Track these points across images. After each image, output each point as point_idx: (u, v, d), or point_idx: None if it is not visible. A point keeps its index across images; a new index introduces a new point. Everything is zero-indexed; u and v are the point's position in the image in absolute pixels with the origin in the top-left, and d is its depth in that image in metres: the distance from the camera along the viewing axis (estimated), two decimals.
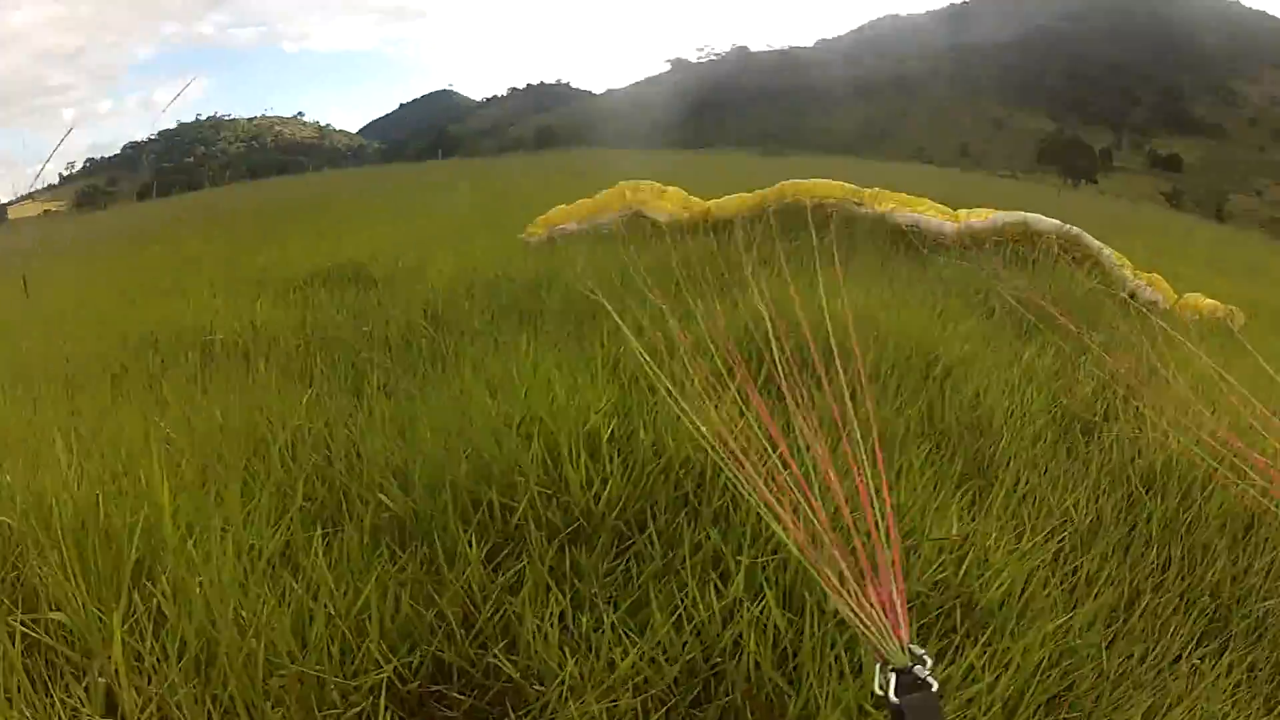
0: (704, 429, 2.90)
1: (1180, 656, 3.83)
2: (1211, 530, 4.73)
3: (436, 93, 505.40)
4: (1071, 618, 3.70)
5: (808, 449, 2.77)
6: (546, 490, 3.86)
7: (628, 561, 3.64)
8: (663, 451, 4.12)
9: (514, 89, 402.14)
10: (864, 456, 2.67)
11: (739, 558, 3.40)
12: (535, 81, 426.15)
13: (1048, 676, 3.38)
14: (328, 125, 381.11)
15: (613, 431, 4.21)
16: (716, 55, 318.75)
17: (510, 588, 3.39)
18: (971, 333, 7.18)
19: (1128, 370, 6.27)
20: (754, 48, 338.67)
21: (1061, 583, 4.03)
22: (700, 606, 3.25)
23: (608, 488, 3.85)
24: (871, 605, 1.95)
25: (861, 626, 1.94)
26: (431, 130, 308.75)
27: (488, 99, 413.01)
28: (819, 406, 3.10)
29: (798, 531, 2.24)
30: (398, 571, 3.42)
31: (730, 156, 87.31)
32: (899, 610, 1.94)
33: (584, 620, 3.22)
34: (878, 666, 1.83)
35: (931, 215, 11.58)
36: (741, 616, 3.20)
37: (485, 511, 3.79)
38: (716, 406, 3.17)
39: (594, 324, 6.52)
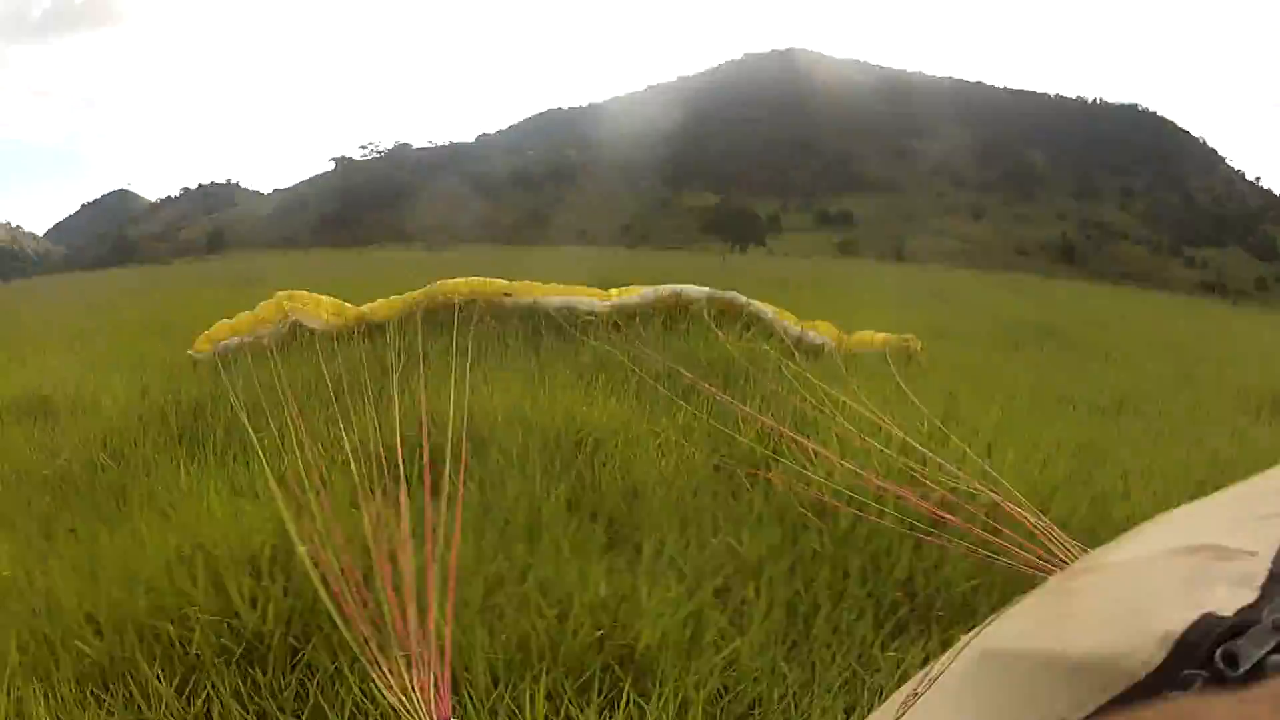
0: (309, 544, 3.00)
1: (871, 654, 4.17)
2: (891, 537, 5.03)
3: (114, 193, 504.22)
4: (738, 645, 3.92)
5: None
6: (216, 616, 4.00)
7: (301, 673, 3.81)
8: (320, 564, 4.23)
9: (186, 189, 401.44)
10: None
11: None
12: (206, 181, 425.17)
13: (727, 704, 3.66)
14: (18, 227, 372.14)
15: (274, 550, 4.34)
16: (380, 152, 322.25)
17: (207, 715, 3.60)
18: (621, 405, 7.53)
19: (788, 413, 6.69)
20: (416, 144, 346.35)
21: (730, 616, 4.24)
22: (371, 706, 3.43)
23: (272, 605, 4.00)
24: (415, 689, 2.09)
25: (403, 710, 2.08)
26: (110, 233, 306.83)
27: (162, 199, 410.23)
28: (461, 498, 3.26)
29: (363, 625, 2.36)
30: (107, 716, 3.58)
31: (394, 253, 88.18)
32: (441, 690, 2.09)
33: None
34: None
35: (583, 297, 11.99)
36: None
37: (167, 644, 3.93)
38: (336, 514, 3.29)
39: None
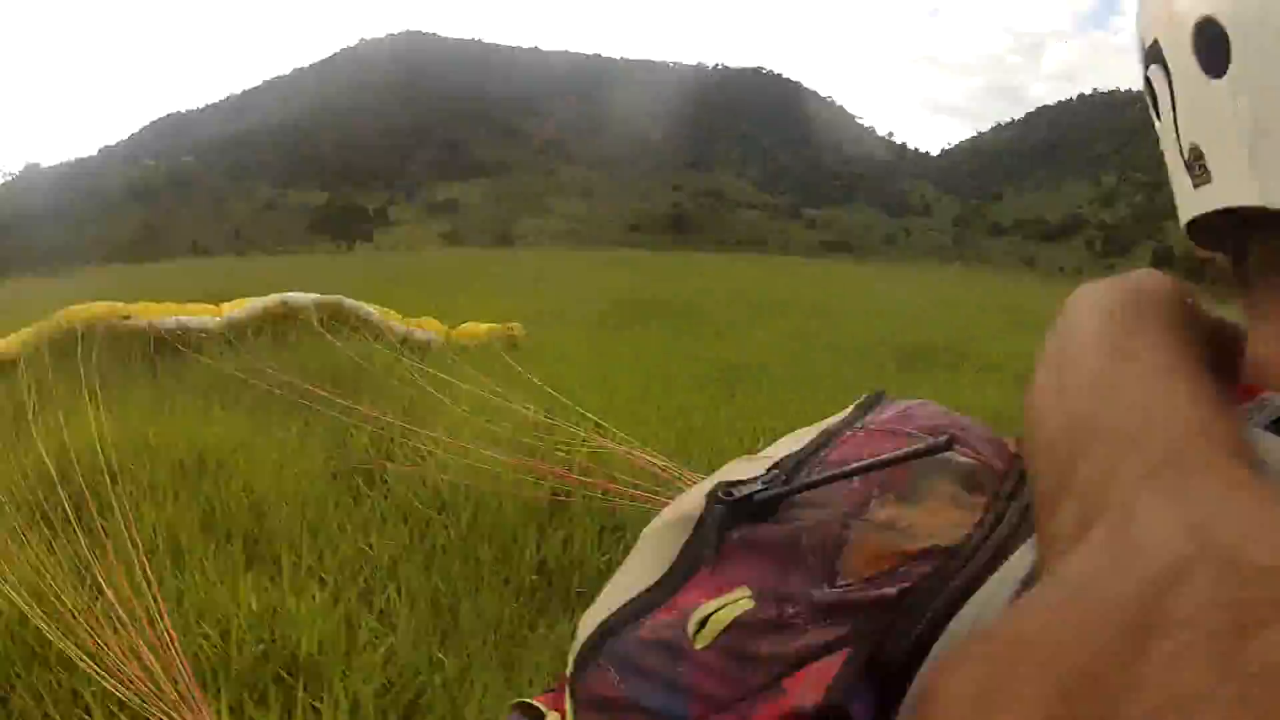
0: None
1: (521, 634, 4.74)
2: (516, 524, 5.67)
3: None
4: (392, 643, 4.41)
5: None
6: None
7: None
8: None
9: None
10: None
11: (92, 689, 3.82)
12: None
13: (394, 696, 4.14)
14: None
15: None
16: (9, 175, 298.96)
17: None
18: (240, 421, 7.86)
19: (400, 411, 7.14)
20: (46, 162, 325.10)
21: (378, 616, 4.69)
22: None
23: None
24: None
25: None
26: None
27: None
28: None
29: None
30: None
31: (28, 283, 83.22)
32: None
33: None
34: None
35: (195, 315, 12.11)
36: None
37: None
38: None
39: None
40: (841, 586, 0.74)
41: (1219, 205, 0.72)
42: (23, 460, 6.25)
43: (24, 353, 11.27)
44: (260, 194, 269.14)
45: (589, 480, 5.35)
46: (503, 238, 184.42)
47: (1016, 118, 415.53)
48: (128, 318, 12.03)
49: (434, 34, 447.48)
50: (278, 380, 8.56)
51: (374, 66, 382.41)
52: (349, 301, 13.00)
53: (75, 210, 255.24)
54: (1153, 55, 0.76)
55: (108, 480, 5.19)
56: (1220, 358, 0.69)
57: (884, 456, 0.83)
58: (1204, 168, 0.73)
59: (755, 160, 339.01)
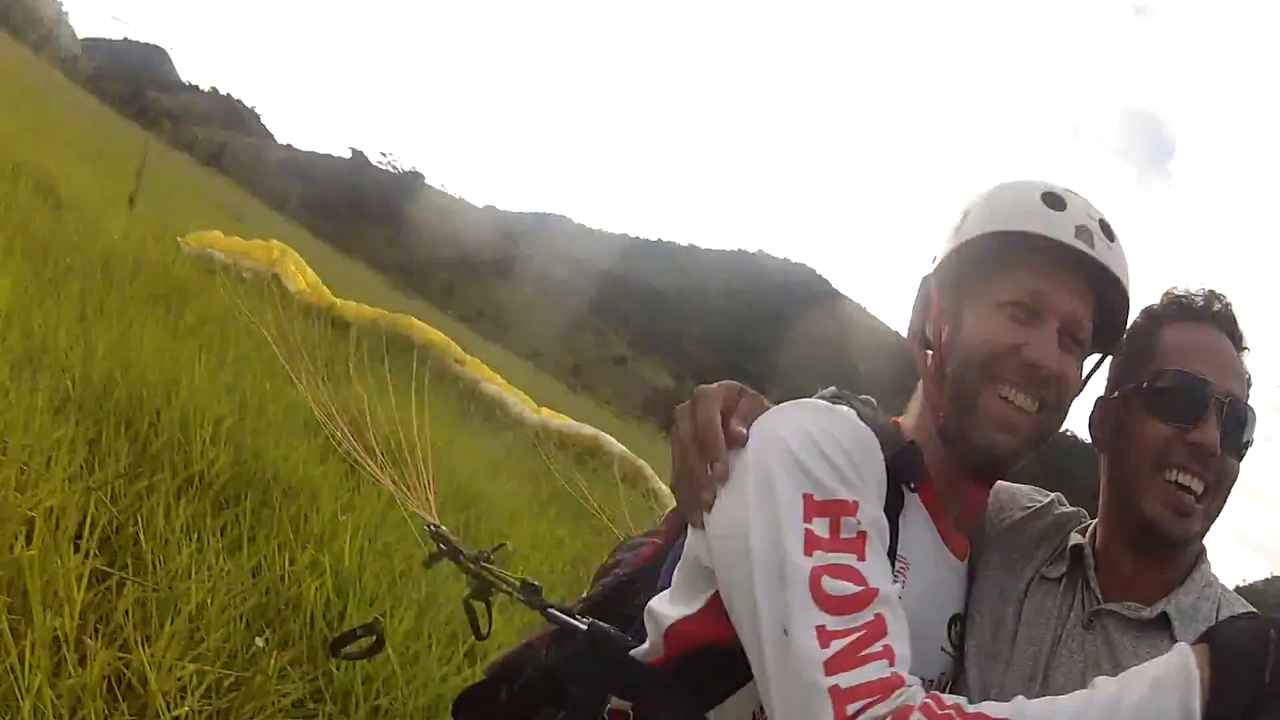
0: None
1: None
2: None
3: None
4: None
5: None
6: None
7: None
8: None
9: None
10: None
11: None
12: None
13: None
14: None
15: None
16: None
17: None
18: (518, 491, 9.01)
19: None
20: None
21: None
22: None
23: None
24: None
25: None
26: None
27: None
28: None
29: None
30: None
31: None
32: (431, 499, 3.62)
33: None
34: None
35: (516, 396, 13.24)
36: None
37: None
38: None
39: None
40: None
41: None
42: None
43: (359, 323, 12.46)
44: (615, 346, 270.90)
45: None
46: None
47: None
48: (460, 362, 13.17)
49: None
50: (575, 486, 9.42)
51: None
52: (650, 471, 13.11)
53: None
54: None
55: None
56: None
57: None
58: None
59: None
